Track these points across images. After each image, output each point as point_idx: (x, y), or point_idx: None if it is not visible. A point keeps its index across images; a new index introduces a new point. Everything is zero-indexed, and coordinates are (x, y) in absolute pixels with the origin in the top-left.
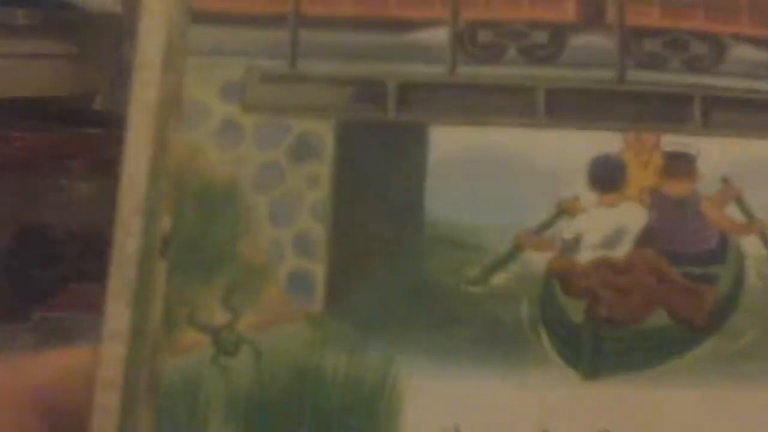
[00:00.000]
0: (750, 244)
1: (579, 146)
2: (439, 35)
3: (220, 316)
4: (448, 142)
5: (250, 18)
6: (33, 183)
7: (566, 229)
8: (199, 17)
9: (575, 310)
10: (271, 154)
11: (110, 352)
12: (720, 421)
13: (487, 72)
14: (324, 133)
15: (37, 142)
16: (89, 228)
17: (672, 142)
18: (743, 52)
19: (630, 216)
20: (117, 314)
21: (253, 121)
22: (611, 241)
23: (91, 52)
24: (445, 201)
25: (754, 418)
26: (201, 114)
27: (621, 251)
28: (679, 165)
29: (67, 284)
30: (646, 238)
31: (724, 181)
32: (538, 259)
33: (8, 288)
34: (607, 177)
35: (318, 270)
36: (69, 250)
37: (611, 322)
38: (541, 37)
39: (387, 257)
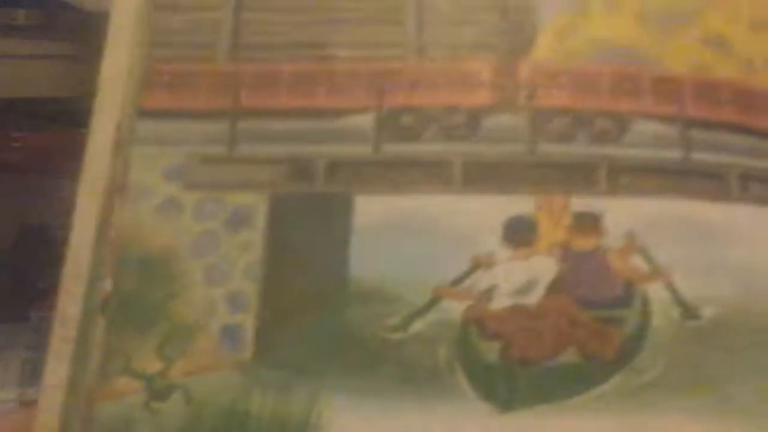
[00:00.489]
0: (655, 289)
1: (494, 209)
2: (365, 120)
3: (153, 365)
4: (372, 208)
5: (192, 112)
6: (33, 183)
7: (482, 280)
8: (147, 114)
9: (490, 351)
10: (207, 225)
11: (48, 403)
12: None
13: (409, 149)
14: (258, 205)
15: (37, 142)
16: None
17: (580, 203)
18: (645, 126)
19: (541, 268)
20: (56, 370)
21: (193, 197)
22: (524, 289)
23: (91, 52)
24: (368, 259)
25: None
26: (144, 193)
27: (533, 298)
28: (586, 223)
29: None
30: (556, 287)
31: (629, 236)
32: (455, 308)
33: (8, 288)
34: (519, 234)
35: (248, 323)
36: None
37: (524, 361)
38: (458, 119)
39: (313, 310)
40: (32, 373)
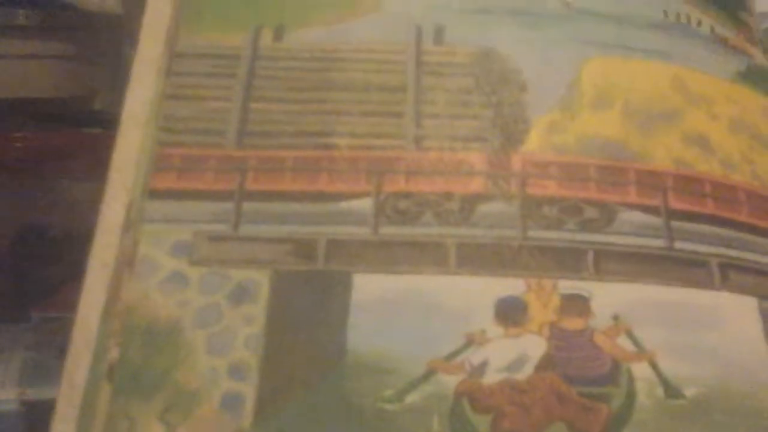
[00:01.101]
0: (640, 369)
1: (486, 290)
2: (365, 204)
3: (156, 430)
4: (369, 286)
5: (200, 193)
6: (33, 183)
7: (474, 356)
8: (156, 194)
9: (482, 424)
10: (212, 298)
11: None
12: None
13: (406, 232)
14: (260, 280)
15: (37, 142)
16: (89, 228)
17: (568, 285)
18: (630, 216)
19: (531, 345)
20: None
21: (198, 272)
22: (515, 365)
23: (91, 52)
24: (366, 334)
25: None
26: (152, 267)
27: (524, 374)
28: (574, 304)
29: (67, 284)
30: (545, 364)
31: (615, 318)
32: (448, 381)
33: (8, 288)
34: (511, 314)
35: (249, 392)
36: (69, 250)
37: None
38: (453, 205)
39: (312, 381)
40: (32, 373)
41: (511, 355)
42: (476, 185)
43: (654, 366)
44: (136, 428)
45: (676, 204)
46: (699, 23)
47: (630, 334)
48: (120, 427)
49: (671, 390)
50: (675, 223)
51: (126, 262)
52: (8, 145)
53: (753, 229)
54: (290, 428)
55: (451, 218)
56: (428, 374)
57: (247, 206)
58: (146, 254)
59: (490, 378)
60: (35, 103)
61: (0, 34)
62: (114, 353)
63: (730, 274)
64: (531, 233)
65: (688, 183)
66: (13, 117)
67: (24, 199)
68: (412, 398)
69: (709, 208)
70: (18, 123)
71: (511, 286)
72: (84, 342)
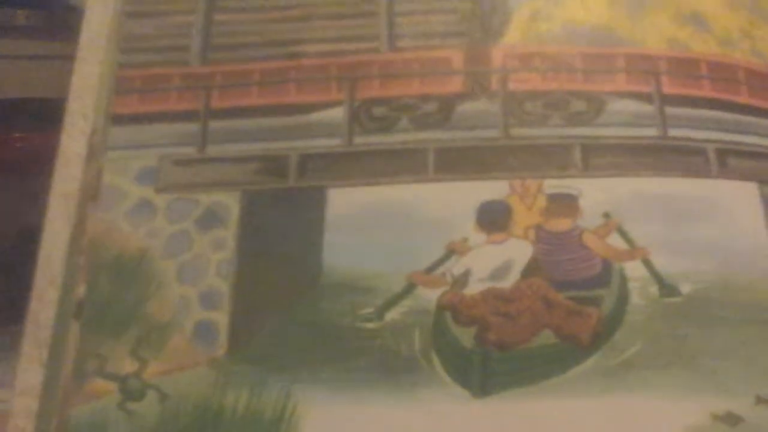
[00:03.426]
0: (632, 268)
1: (467, 195)
2: (337, 114)
3: (128, 366)
4: (344, 200)
5: (163, 115)
6: (33, 183)
7: (456, 266)
8: (119, 119)
9: (465, 337)
10: (180, 225)
11: (23, 406)
12: (604, 428)
13: (381, 140)
14: (230, 203)
15: (37, 142)
16: None
17: (554, 185)
18: (621, 105)
19: (516, 251)
20: (30, 372)
21: (165, 199)
22: (499, 273)
23: None
24: (341, 251)
25: (636, 425)
26: (117, 197)
27: (509, 282)
28: (561, 205)
29: None
30: (532, 269)
31: (605, 215)
32: (429, 295)
33: (8, 288)
34: (493, 219)
35: (221, 319)
36: None
37: (500, 345)
38: (430, 107)
39: (286, 304)
40: None
41: (495, 262)
42: (455, 85)
43: (647, 264)
44: (107, 366)
45: (669, 89)
46: None
47: (621, 232)
48: (90, 365)
49: (666, 288)
50: (669, 110)
51: (90, 194)
52: (8, 145)
53: (753, 111)
54: (265, 355)
55: (428, 122)
56: (408, 289)
57: (214, 125)
58: (111, 183)
59: (474, 288)
60: (35, 103)
61: (0, 34)
62: (81, 289)
63: (728, 160)
64: (513, 131)
65: (683, 65)
66: (13, 117)
67: (24, 199)
68: (392, 315)
69: (706, 90)
70: (18, 123)
71: (494, 189)
72: (48, 279)
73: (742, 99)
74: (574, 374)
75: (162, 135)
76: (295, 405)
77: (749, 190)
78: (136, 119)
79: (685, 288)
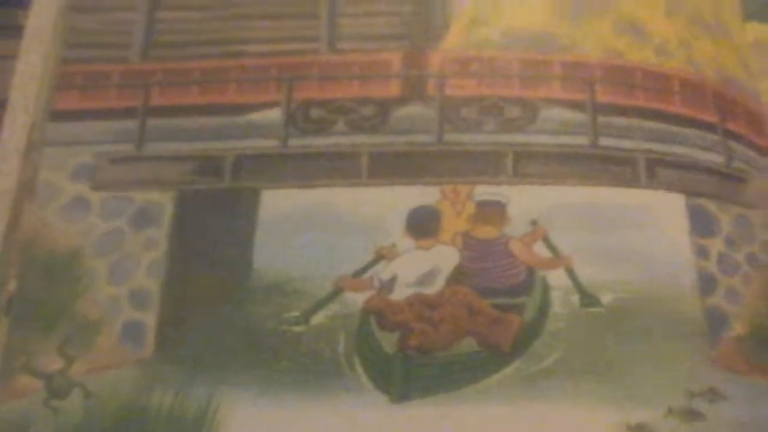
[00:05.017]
0: (556, 276)
1: (399, 200)
2: (274, 114)
3: (54, 363)
4: (278, 202)
5: (102, 112)
6: None
7: (383, 271)
8: (58, 115)
9: (388, 342)
10: (114, 224)
11: None
12: None
13: (317, 142)
14: (164, 202)
15: None
16: None
17: (484, 192)
18: (554, 113)
19: (443, 257)
20: None
21: (100, 196)
22: (425, 279)
23: None
24: (272, 253)
25: (553, 430)
26: (52, 193)
27: (434, 288)
28: (490, 211)
29: None
30: (458, 276)
31: (533, 223)
32: (355, 299)
33: None
34: (422, 225)
35: (150, 320)
36: None
37: (422, 351)
38: (367, 110)
39: (215, 305)
40: None
41: (422, 268)
42: (392, 88)
43: (571, 273)
44: (33, 362)
45: (603, 97)
46: None
47: (547, 240)
48: (17, 362)
49: (587, 298)
50: (601, 118)
51: (26, 190)
52: None
53: (685, 120)
54: (192, 356)
55: (365, 125)
56: (335, 293)
57: (152, 123)
58: (47, 179)
59: (400, 293)
60: None
61: (0, 34)
62: (12, 285)
63: (657, 170)
64: (448, 137)
65: (618, 73)
66: None
67: None
68: (318, 319)
69: (640, 99)
70: None
71: (425, 194)
72: None
73: (675, 108)
74: (494, 381)
75: (100, 132)
76: (218, 406)
77: (676, 201)
78: (75, 115)
79: (607, 298)
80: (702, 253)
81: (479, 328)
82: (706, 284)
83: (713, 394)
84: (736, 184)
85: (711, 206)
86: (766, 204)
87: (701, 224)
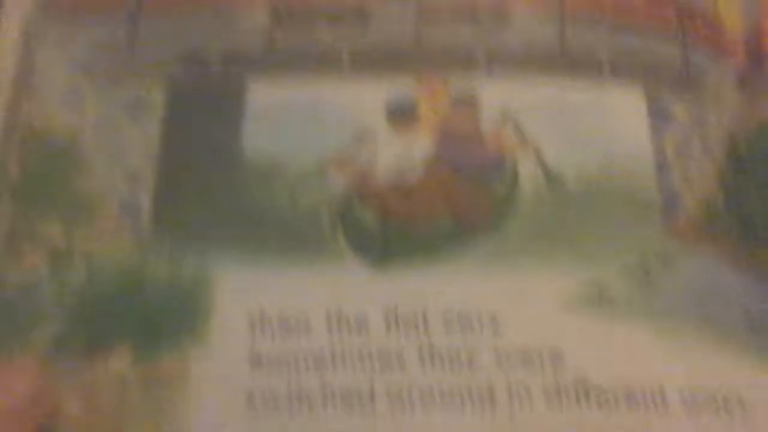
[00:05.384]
0: (524, 160)
1: (377, 91)
2: (260, 14)
3: (58, 238)
4: (264, 93)
5: (97, 8)
6: None
7: (365, 154)
8: (53, 9)
9: (370, 218)
10: (109, 111)
11: None
12: (490, 299)
13: (300, 38)
14: (156, 94)
15: None
16: None
17: (459, 86)
18: (524, 17)
19: (420, 144)
20: None
21: (96, 86)
22: (404, 163)
23: None
24: (260, 139)
25: (522, 301)
26: (50, 83)
27: (412, 171)
28: (464, 104)
29: None
30: (434, 160)
31: (503, 113)
32: (339, 180)
33: None
34: (401, 112)
35: (145, 199)
36: None
37: (401, 225)
38: (349, 10)
39: (207, 185)
40: None
41: (401, 153)
42: None
43: (538, 156)
44: (38, 242)
45: (572, 5)
46: None
47: (516, 128)
48: (23, 246)
49: (553, 179)
50: (569, 25)
51: (24, 80)
52: None
53: (647, 24)
54: (186, 231)
55: (346, 22)
56: (319, 173)
57: (144, 20)
58: (45, 69)
59: (380, 175)
60: None
61: None
62: (15, 170)
63: (620, 68)
64: (425, 33)
65: None
66: None
67: None
68: (304, 200)
69: (605, 9)
70: None
71: (403, 87)
72: None
73: (640, 13)
74: (466, 256)
75: (95, 28)
76: (210, 273)
77: (636, 93)
78: (71, 11)
79: (571, 179)
80: (659, 141)
81: (454, 208)
82: (663, 168)
83: (665, 259)
84: (694, 81)
85: (669, 100)
86: (719, 100)
87: (660, 116)
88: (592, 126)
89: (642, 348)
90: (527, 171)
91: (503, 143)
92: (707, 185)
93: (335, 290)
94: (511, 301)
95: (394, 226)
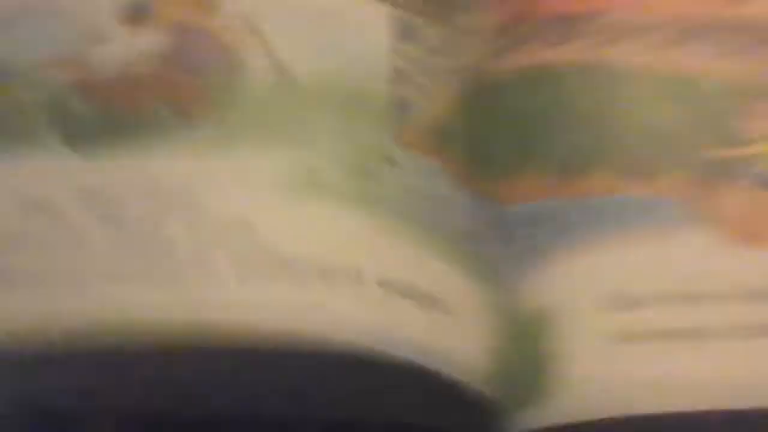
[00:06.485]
0: (254, 55)
1: None
2: None
3: None
4: None
5: None
6: None
7: (90, 51)
8: None
9: (88, 110)
10: None
11: None
12: (192, 177)
13: None
14: None
15: None
16: None
17: None
18: None
19: (151, 41)
20: None
21: None
22: (131, 57)
23: None
24: None
25: (226, 182)
26: None
27: (139, 65)
28: (201, 4)
29: None
30: (162, 55)
31: (240, 14)
32: (58, 75)
33: None
34: (133, 10)
35: None
36: None
37: (118, 116)
38: None
39: None
40: None
41: (130, 50)
42: None
43: (270, 53)
44: None
45: None
46: None
47: (252, 26)
48: None
49: (282, 72)
50: None
51: None
52: None
53: None
54: None
55: None
56: (39, 69)
57: None
58: None
59: (105, 71)
60: None
61: None
62: None
63: None
64: None
65: None
66: None
67: None
68: (17, 94)
69: None
70: None
71: None
72: None
73: None
74: (179, 143)
75: None
76: None
77: (380, 10)
78: None
79: (303, 77)
80: (400, 53)
81: (175, 98)
82: (399, 78)
83: (388, 160)
84: (447, 6)
85: (419, 21)
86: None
87: (405, 32)
88: (333, 33)
89: (347, 232)
90: (256, 64)
91: (235, 39)
92: (447, 108)
93: (44, 180)
94: (215, 182)
95: (111, 117)
